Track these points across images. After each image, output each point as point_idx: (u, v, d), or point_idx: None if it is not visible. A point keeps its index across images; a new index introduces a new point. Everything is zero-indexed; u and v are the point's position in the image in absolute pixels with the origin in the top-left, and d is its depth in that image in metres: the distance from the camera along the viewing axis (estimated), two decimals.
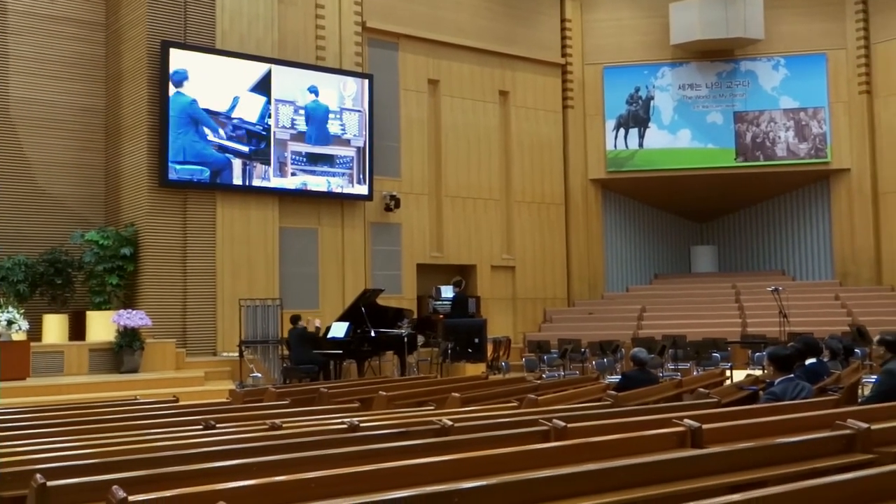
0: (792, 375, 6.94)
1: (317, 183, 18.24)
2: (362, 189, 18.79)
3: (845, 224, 22.36)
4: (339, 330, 15.46)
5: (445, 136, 20.55)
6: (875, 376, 7.71)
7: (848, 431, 4.46)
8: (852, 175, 22.35)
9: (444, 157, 20.49)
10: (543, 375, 15.37)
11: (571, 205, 22.58)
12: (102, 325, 15.11)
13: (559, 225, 22.33)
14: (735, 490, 3.19)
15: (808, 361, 8.16)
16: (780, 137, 22.56)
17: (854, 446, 4.40)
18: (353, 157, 18.74)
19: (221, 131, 17.05)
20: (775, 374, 6.96)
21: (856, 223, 22.14)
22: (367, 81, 18.98)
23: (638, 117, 22.91)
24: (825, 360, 9.00)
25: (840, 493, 3.06)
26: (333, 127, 18.56)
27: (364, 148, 18.84)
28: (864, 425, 4.47)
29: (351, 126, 18.77)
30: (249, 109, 17.43)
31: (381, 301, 16.58)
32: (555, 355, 16.67)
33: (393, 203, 19.23)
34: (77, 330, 15.84)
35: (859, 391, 9.33)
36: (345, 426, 5.81)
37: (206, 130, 16.85)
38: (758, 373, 7.30)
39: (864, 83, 22.24)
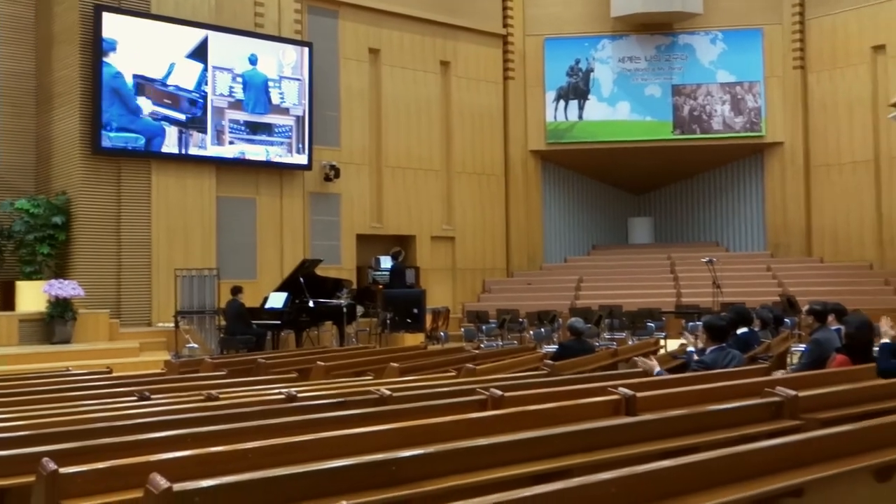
0: (724, 345, 7.08)
1: (255, 152, 18.02)
2: (301, 159, 18.62)
3: (778, 197, 22.88)
4: (277, 300, 15.36)
5: (386, 106, 20.42)
6: (804, 345, 7.83)
7: (776, 399, 4.54)
8: (785, 149, 22.81)
9: (385, 127, 20.38)
10: (482, 345, 15.46)
11: (511, 176, 22.67)
12: (33, 296, 14.78)
13: (499, 196, 22.41)
14: (667, 456, 3.25)
15: (740, 331, 8.33)
16: (716, 111, 22.88)
17: (782, 413, 4.51)
18: (292, 127, 18.53)
19: (154, 100, 16.69)
20: (709, 343, 7.07)
21: (788, 196, 22.67)
22: (306, 50, 18.76)
23: (578, 89, 23.02)
24: (756, 329, 9.20)
25: (768, 457, 3.14)
26: (272, 95, 18.30)
27: (303, 117, 18.65)
28: (792, 392, 4.56)
29: (290, 95, 18.55)
30: (186, 76, 17.11)
31: (320, 271, 16.49)
32: (493, 325, 16.78)
33: (332, 173, 19.09)
34: (6, 300, 15.47)
35: (788, 359, 9.52)
36: (282, 396, 5.79)
37: (141, 101, 16.49)
38: (690, 340, 7.40)
39: (798, 58, 22.66)
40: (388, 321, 16.67)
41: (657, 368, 6.76)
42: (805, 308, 7.81)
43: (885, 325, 6.18)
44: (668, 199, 25.36)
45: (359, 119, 19.92)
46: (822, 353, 6.94)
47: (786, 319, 11.80)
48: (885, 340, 5.97)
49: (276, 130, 18.30)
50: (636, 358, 7.27)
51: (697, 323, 10.02)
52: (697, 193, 24.72)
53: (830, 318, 7.70)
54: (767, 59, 22.70)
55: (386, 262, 19.27)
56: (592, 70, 23.02)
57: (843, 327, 6.78)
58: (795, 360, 7.56)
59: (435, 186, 21.13)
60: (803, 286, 19.27)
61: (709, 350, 7.05)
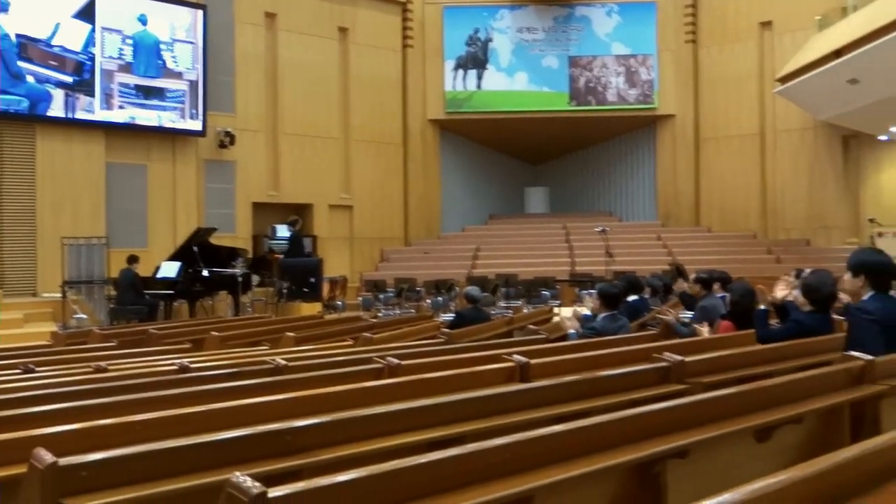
0: (615, 312, 7.27)
1: (147, 117, 17.48)
2: (195, 124, 18.16)
3: (669, 168, 23.52)
4: (169, 269, 15.00)
5: (283, 72, 20.07)
6: (692, 313, 8.12)
7: (664, 364, 4.63)
8: (676, 121, 23.41)
9: (282, 93, 20.04)
10: (379, 314, 15.49)
11: (410, 145, 22.63)
12: None
13: (397, 165, 22.36)
14: (561, 421, 3.28)
15: (631, 298, 8.53)
16: (611, 83, 23.29)
17: (669, 377, 4.61)
18: (185, 92, 18.04)
19: (39, 61, 16.00)
20: (601, 310, 7.25)
21: (678, 168, 23.33)
22: (200, 12, 18.24)
23: (476, 59, 23.09)
24: (646, 297, 9.41)
25: (655, 420, 3.24)
26: (165, 59, 17.75)
27: (197, 82, 18.17)
28: (679, 358, 4.65)
29: (183, 58, 18.04)
30: (72, 37, 16.44)
31: (215, 240, 16.18)
32: (391, 294, 16.82)
33: (227, 140, 18.69)
34: None
35: None
36: (174, 368, 5.65)
37: (24, 63, 15.78)
38: (585, 309, 7.57)
39: (690, 33, 23.23)
40: (285, 290, 16.50)
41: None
42: (692, 276, 8.04)
43: (779, 286, 6.22)
44: (564, 170, 25.83)
45: (255, 85, 19.53)
46: (708, 320, 7.20)
47: (675, 287, 12.14)
48: (762, 307, 6.08)
49: (169, 95, 17.79)
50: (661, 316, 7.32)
51: (591, 291, 10.24)
52: (592, 164, 25.25)
53: (716, 285, 8.02)
54: (661, 32, 23.22)
55: (283, 231, 19.06)
56: (491, 40, 23.12)
57: (727, 295, 7.01)
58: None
59: (333, 155, 20.93)
60: (692, 255, 19.96)
61: (600, 317, 7.23)
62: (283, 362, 5.44)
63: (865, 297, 4.76)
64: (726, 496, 2.08)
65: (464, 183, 24.00)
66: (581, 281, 17.04)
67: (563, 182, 25.50)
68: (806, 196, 21.49)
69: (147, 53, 17.53)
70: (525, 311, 14.30)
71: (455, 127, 23.30)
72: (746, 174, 22.34)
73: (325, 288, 17.72)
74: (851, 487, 2.43)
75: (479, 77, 23.08)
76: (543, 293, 16.55)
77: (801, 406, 3.76)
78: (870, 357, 4.19)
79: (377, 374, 5.07)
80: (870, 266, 4.76)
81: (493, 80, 23.13)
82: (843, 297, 6.39)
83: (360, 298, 17.19)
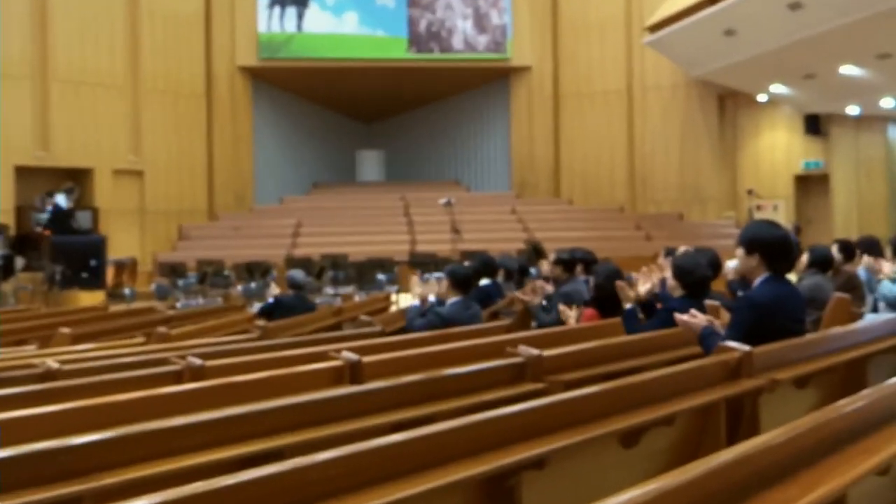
0: (465, 297, 7.42)
1: None
2: None
3: (524, 129, 24.06)
4: None
5: (53, 4, 19.16)
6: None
7: (519, 359, 4.70)
8: (533, 74, 23.94)
9: (52, 30, 19.22)
10: (177, 304, 15.18)
11: (215, 97, 22.16)
12: None
13: (199, 121, 21.91)
14: (398, 429, 3.40)
15: (482, 282, 8.65)
16: (457, 27, 23.56)
17: (525, 375, 4.69)
18: None
19: None
20: (450, 294, 7.37)
21: (535, 129, 23.90)
22: None
23: None
24: (500, 280, 9.51)
25: (508, 426, 3.31)
26: None
27: None
28: (536, 352, 4.73)
29: None
30: None
31: None
32: (192, 280, 16.51)
33: None
34: None
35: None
36: None
37: None
38: (435, 290, 7.67)
39: None
40: (58, 276, 15.88)
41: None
42: (552, 257, 8.17)
43: (641, 279, 6.40)
44: (404, 131, 25.99)
45: (17, 19, 18.63)
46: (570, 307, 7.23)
47: (531, 269, 12.45)
48: (628, 306, 6.19)
49: None
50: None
51: (436, 275, 10.37)
52: (437, 124, 25.52)
53: (579, 267, 8.21)
54: None
55: (59, 202, 18.29)
56: None
57: (591, 278, 7.16)
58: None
59: (118, 107, 20.25)
60: (551, 231, 20.60)
61: (449, 302, 7.33)
62: (56, 365, 5.30)
63: (758, 280, 4.80)
64: None
65: (282, 144, 23.76)
66: (424, 263, 17.16)
67: (402, 145, 25.68)
68: (678, 164, 22.54)
69: None
70: (357, 298, 14.44)
71: (271, 76, 22.98)
72: (612, 138, 23.25)
73: (110, 273, 17.18)
74: (728, 495, 2.56)
75: (300, 16, 22.84)
76: (379, 278, 16.68)
77: (672, 405, 3.89)
78: (747, 347, 4.32)
79: (175, 377, 5.01)
80: (765, 243, 4.76)
81: (317, 20, 22.96)
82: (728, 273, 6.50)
83: (154, 286, 16.81)
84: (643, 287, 6.24)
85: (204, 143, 22.44)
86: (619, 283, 6.31)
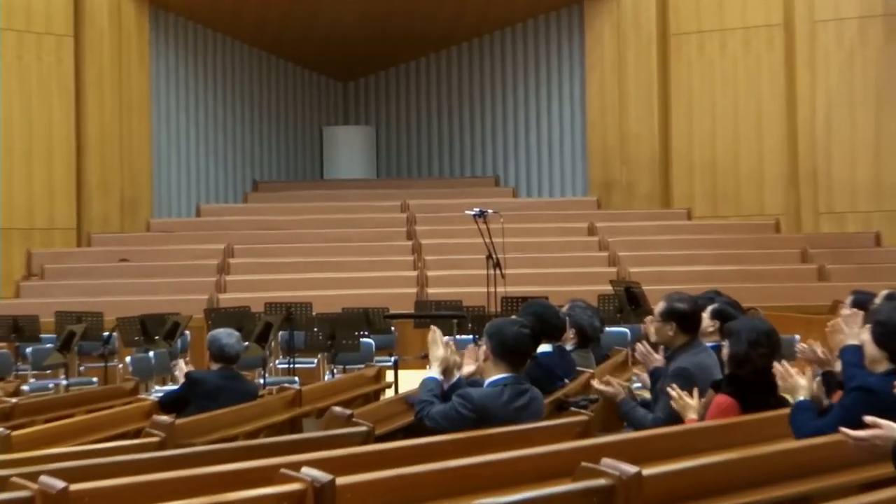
0: (517, 375, 5.93)
1: None
2: None
3: (610, 92, 20.56)
4: None
5: None
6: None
7: (602, 482, 4.04)
8: (624, 2, 20.83)
9: None
10: (24, 387, 12.70)
11: (88, 38, 18.77)
12: None
13: (62, 78, 18.35)
14: None
15: (540, 349, 7.06)
16: None
17: None
18: None
19: None
20: (494, 369, 5.90)
21: (628, 90, 20.34)
22: None
23: None
24: (569, 346, 8.18)
25: None
26: None
27: None
28: (631, 470, 4.08)
29: None
30: None
31: None
32: (48, 346, 13.68)
33: None
34: None
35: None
36: None
37: None
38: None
39: None
40: None
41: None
42: (659, 307, 6.67)
43: (811, 348, 6.01)
44: (404, 94, 22.93)
45: None
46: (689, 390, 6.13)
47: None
48: (802, 397, 5.28)
49: None
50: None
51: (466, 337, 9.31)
52: (460, 84, 22.21)
53: (707, 321, 6.86)
54: None
55: None
56: None
57: (726, 343, 5.94)
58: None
59: None
60: (656, 264, 17.53)
61: (488, 381, 6.00)
62: None
63: None
64: None
65: (200, 117, 20.96)
66: (440, 316, 14.22)
67: (402, 118, 23.14)
68: (872, 149, 19.20)
69: None
70: (326, 377, 13.48)
71: (179, 3, 20.33)
72: (759, 106, 19.82)
73: None
74: None
75: None
76: (364, 342, 13.95)
77: None
78: None
79: None
80: None
81: None
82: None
83: None
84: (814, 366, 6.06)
85: (69, 115, 18.73)
86: (778, 369, 5.37)
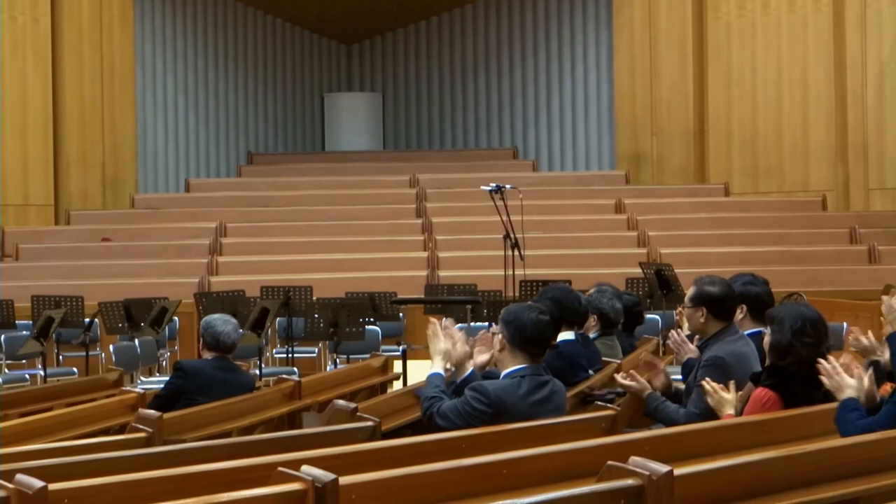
0: (538, 365, 5.81)
1: None
2: None
3: (640, 55, 20.56)
4: None
5: None
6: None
7: (630, 482, 4.00)
8: None
9: None
10: None
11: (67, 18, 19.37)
12: None
13: (37, 40, 18.33)
14: None
15: (561, 337, 6.95)
16: None
17: None
18: None
19: None
20: (509, 359, 5.79)
21: (660, 52, 20.41)
22: None
23: None
24: (592, 334, 8.20)
25: None
26: None
27: None
28: (662, 469, 4.02)
29: None
30: None
31: None
32: (24, 334, 13.89)
33: None
34: None
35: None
36: None
37: None
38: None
39: None
40: None
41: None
42: (690, 291, 6.53)
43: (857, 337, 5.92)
44: (413, 58, 23.04)
45: None
46: (725, 382, 5.95)
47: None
48: (850, 395, 5.16)
49: None
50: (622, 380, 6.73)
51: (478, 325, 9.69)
52: (474, 46, 22.25)
53: (740, 310, 6.60)
54: None
55: None
56: None
57: (767, 331, 5.85)
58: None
59: None
60: (690, 245, 17.65)
61: (504, 373, 5.88)
62: None
63: None
64: None
65: (189, 82, 20.87)
66: (452, 301, 14.53)
67: (411, 84, 23.00)
68: None
69: None
70: (329, 367, 13.44)
71: None
72: (804, 69, 19.72)
73: None
74: None
75: None
76: (369, 329, 13.99)
77: None
78: None
79: None
80: None
81: None
82: None
83: None
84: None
85: (46, 80, 18.67)
86: (823, 366, 5.28)
